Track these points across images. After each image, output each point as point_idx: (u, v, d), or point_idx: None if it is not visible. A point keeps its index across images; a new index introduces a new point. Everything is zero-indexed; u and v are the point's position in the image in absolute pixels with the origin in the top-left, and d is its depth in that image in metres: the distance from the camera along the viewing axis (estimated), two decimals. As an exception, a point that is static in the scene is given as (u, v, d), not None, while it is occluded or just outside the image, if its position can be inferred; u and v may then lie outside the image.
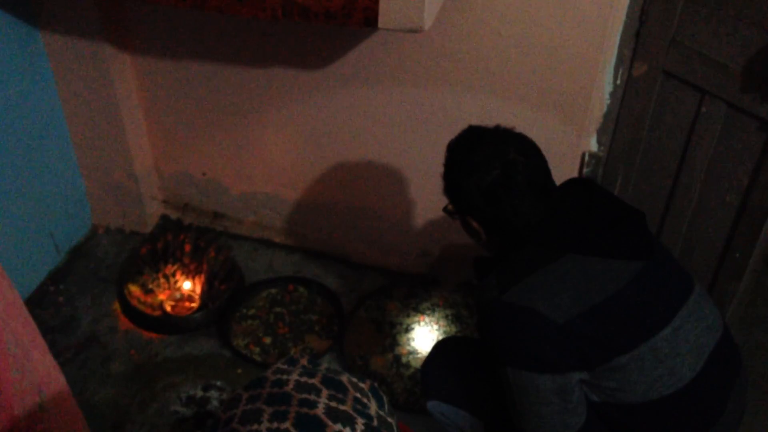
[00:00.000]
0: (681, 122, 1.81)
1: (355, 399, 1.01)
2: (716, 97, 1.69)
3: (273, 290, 2.33)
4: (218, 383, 2.05)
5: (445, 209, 1.53)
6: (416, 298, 2.28)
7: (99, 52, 2.14)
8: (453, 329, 2.18)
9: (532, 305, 1.34)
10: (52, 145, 2.30)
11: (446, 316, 2.22)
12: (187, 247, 2.31)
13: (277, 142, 2.29)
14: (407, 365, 2.08)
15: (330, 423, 0.93)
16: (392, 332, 2.18)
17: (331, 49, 2.02)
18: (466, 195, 1.44)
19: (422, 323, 2.20)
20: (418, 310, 2.24)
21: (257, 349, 2.15)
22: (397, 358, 2.10)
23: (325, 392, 0.99)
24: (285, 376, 1.02)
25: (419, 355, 2.10)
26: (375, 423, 0.99)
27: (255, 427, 0.93)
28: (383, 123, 2.11)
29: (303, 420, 0.93)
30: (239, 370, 2.10)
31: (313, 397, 0.97)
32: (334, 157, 2.25)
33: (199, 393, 2.03)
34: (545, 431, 1.43)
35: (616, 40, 1.82)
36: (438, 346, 1.92)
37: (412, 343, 2.14)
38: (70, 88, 2.24)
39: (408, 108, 2.06)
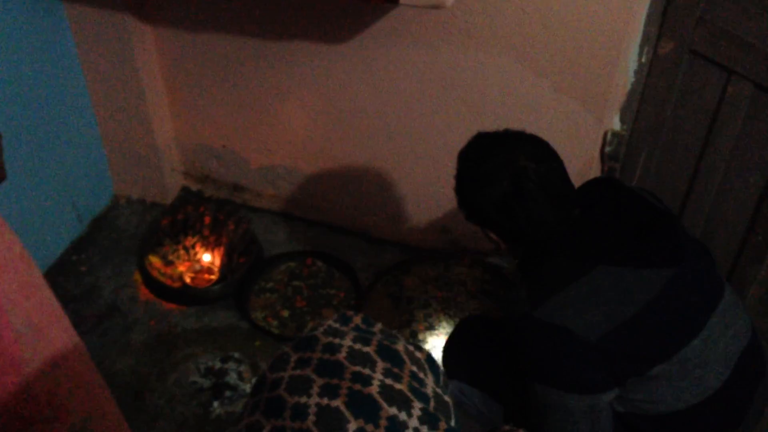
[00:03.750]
0: (706, 102, 1.78)
1: (412, 374, 0.94)
2: (743, 77, 1.66)
3: (291, 264, 2.34)
4: (236, 355, 2.08)
5: (467, 219, 1.51)
6: (435, 273, 2.28)
7: (120, 24, 2.14)
8: (471, 306, 2.18)
9: (564, 323, 1.31)
10: (75, 116, 2.31)
11: (465, 293, 2.22)
12: (207, 220, 2.32)
13: (298, 115, 2.28)
14: (423, 341, 2.09)
15: (385, 405, 0.87)
16: (409, 308, 2.18)
17: (354, 24, 2.00)
18: (479, 208, 1.42)
19: (440, 299, 2.20)
20: (437, 286, 2.24)
21: (275, 322, 2.17)
22: (414, 334, 2.11)
23: (380, 365, 0.92)
24: (338, 340, 0.95)
25: (435, 331, 2.11)
26: (432, 405, 0.93)
27: (304, 400, 0.88)
28: (405, 98, 2.10)
29: (356, 399, 0.87)
30: (257, 343, 2.12)
31: (367, 371, 0.91)
32: (355, 131, 2.24)
33: (218, 364, 2.05)
34: None
35: (643, 17, 1.78)
36: (460, 326, 1.92)
37: (429, 319, 2.15)
38: (92, 60, 2.24)
39: (430, 83, 2.04)
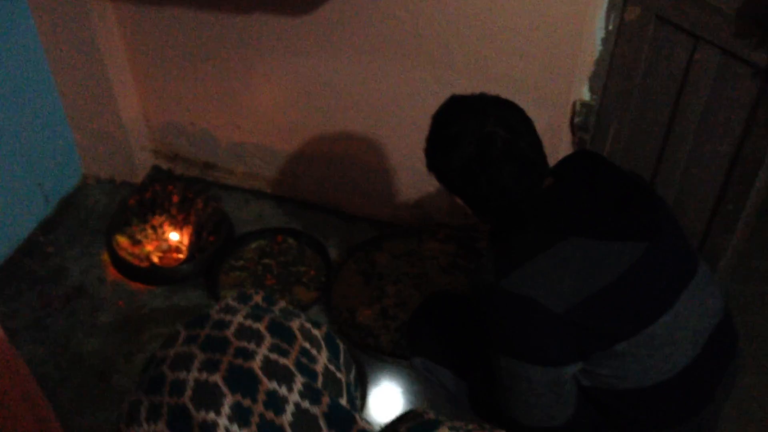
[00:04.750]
0: (674, 70, 1.74)
1: (302, 350, 0.94)
2: (709, 43, 1.62)
3: (262, 241, 2.31)
4: (205, 334, 2.05)
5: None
6: (407, 249, 2.25)
7: (80, 1, 2.10)
8: (444, 281, 2.15)
9: (531, 294, 1.28)
10: (38, 95, 2.27)
11: (437, 268, 2.19)
12: (175, 198, 2.29)
13: (266, 91, 2.24)
14: (394, 317, 2.07)
15: (265, 380, 0.88)
16: (380, 284, 2.16)
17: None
18: (444, 172, 1.40)
19: (412, 275, 2.18)
20: (409, 262, 2.21)
21: (244, 301, 2.14)
22: (384, 310, 2.08)
23: (268, 341, 0.92)
24: (229, 317, 0.94)
25: (406, 307, 2.08)
26: (319, 381, 0.93)
27: (183, 375, 0.88)
28: (375, 73, 2.06)
29: (235, 373, 0.87)
30: (226, 322, 2.09)
31: (252, 346, 0.91)
32: (325, 107, 2.20)
33: (185, 344, 2.03)
34: (533, 420, 1.40)
35: (609, -18, 1.74)
36: (426, 302, 1.89)
37: (400, 295, 2.12)
38: (53, 38, 2.20)
39: (400, 59, 2.00)
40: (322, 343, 1.00)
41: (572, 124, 1.97)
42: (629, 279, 1.30)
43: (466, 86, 1.95)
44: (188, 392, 0.86)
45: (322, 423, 0.91)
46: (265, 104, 2.27)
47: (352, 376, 1.04)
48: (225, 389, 0.86)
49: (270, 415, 0.87)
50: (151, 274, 2.19)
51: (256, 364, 0.89)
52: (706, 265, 1.46)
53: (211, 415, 0.85)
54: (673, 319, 1.33)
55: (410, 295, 2.12)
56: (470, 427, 0.98)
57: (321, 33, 2.03)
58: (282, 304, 1.02)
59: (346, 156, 2.29)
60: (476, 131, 1.33)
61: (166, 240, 2.25)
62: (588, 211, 1.34)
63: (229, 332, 0.92)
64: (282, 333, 0.94)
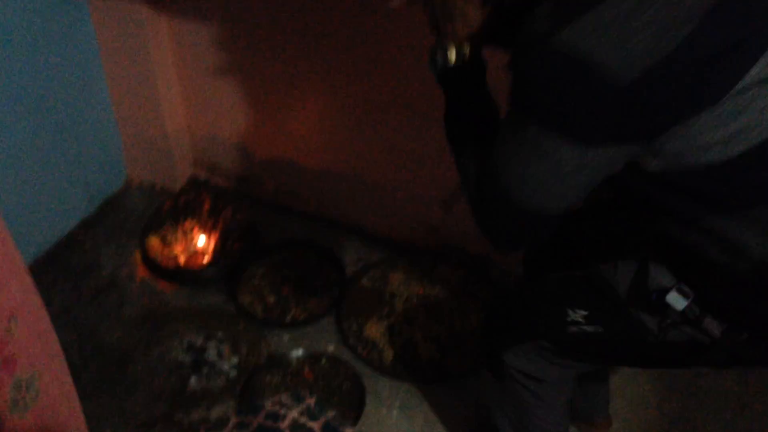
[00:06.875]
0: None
1: None
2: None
3: (284, 253, 2.42)
4: (219, 334, 2.15)
5: None
6: (420, 271, 2.32)
7: (137, 13, 2.26)
8: (452, 304, 2.21)
9: (593, 54, 0.99)
10: (92, 101, 2.44)
11: (448, 291, 2.26)
12: (207, 206, 2.42)
13: (301, 109, 2.36)
14: (400, 333, 2.13)
15: None
16: (391, 302, 2.23)
17: (361, 13, 2.05)
18: None
19: (422, 295, 2.24)
20: (421, 283, 2.28)
21: (260, 307, 2.24)
22: (392, 326, 2.15)
23: None
24: (283, 411, 0.96)
25: (413, 325, 2.15)
26: None
27: None
28: (403, 98, 2.16)
29: None
30: (241, 325, 2.19)
31: None
32: (355, 128, 2.31)
33: (200, 341, 2.13)
34: (529, 199, 1.16)
35: None
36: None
37: (408, 314, 2.19)
38: (110, 47, 2.37)
39: (425, 86, 2.09)
40: None
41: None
42: (715, 23, 0.98)
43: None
44: None
45: None
46: (300, 123, 2.39)
47: None
48: None
49: None
50: (176, 275, 2.32)
51: None
52: None
53: None
54: (763, 70, 1.03)
55: (418, 315, 2.18)
56: None
57: (361, 55, 2.14)
58: (333, 413, 1.01)
59: (372, 179, 2.39)
60: None
61: (194, 244, 2.38)
62: None
63: (284, 425, 0.95)
64: None
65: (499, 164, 1.18)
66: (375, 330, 2.15)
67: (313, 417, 0.94)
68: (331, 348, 2.13)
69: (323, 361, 2.03)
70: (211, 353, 2.10)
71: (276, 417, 0.92)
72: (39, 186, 2.30)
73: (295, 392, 1.01)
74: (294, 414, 0.93)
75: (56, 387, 1.32)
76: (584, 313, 1.34)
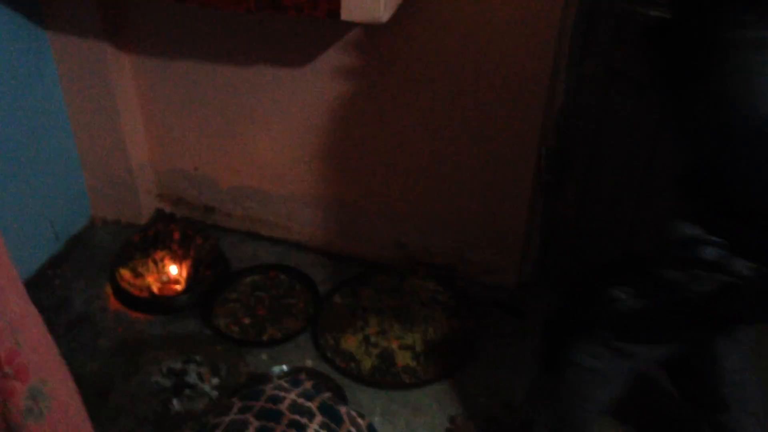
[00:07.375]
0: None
1: None
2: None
3: (255, 276, 2.47)
4: (198, 358, 2.19)
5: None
6: (390, 285, 2.41)
7: (99, 52, 2.32)
8: (422, 312, 2.30)
9: None
10: (55, 139, 2.47)
11: (417, 302, 2.34)
12: (176, 235, 2.47)
13: (263, 137, 2.45)
14: (375, 344, 2.21)
15: None
16: (364, 315, 2.30)
17: (314, 47, 2.17)
18: None
19: (393, 307, 2.32)
20: (391, 296, 2.37)
21: (237, 329, 2.29)
22: (367, 338, 2.23)
23: (318, 418, 0.99)
24: (282, 393, 1.01)
25: (387, 335, 2.23)
26: None
27: None
28: (364, 118, 2.27)
29: None
30: (219, 347, 2.23)
31: (305, 420, 0.97)
32: (316, 151, 2.40)
33: (179, 366, 2.16)
34: None
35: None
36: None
37: (382, 325, 2.27)
38: (72, 85, 2.42)
39: (387, 104, 2.21)
40: (365, 430, 1.07)
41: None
42: None
43: (450, 136, 2.17)
44: None
45: None
46: (262, 150, 2.48)
47: None
48: None
49: None
50: (150, 304, 2.35)
51: None
52: None
53: None
54: None
55: (391, 326, 2.26)
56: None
57: (315, 85, 2.24)
58: (327, 394, 1.10)
59: (336, 200, 2.48)
60: None
61: (166, 273, 2.42)
62: None
63: (283, 406, 0.99)
64: (331, 414, 1.02)
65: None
66: (351, 343, 2.22)
67: (310, 398, 1.02)
68: (309, 363, 2.19)
69: (303, 375, 2.09)
70: (192, 376, 2.13)
71: (276, 400, 1.00)
72: (3, 225, 2.31)
73: (294, 378, 1.09)
74: (292, 396, 1.00)
75: (63, 391, 1.36)
76: (627, 288, 1.42)
